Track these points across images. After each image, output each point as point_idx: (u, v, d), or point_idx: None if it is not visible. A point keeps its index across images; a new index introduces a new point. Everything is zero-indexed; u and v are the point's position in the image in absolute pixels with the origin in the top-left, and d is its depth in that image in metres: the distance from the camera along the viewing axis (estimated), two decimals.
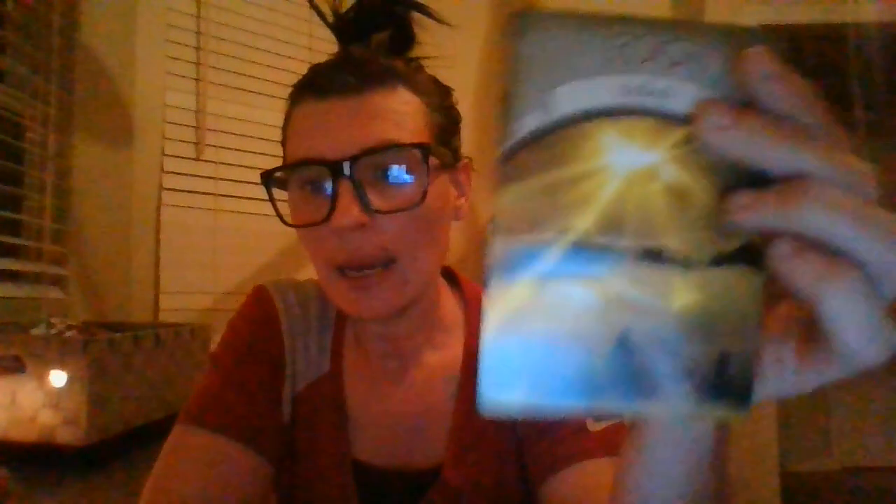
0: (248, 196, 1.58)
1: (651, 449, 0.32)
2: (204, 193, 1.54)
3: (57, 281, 1.35)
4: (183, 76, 1.53)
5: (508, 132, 0.21)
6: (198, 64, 1.55)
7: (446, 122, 0.56)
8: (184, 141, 1.52)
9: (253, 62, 1.62)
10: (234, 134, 1.59)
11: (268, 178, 0.53)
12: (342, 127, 0.50)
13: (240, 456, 0.53)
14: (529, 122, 0.21)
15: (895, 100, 2.75)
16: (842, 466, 3.37)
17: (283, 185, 0.55)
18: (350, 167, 0.48)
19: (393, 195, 0.50)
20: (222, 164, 1.57)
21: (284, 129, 0.56)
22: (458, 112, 0.59)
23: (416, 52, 0.59)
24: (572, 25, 0.22)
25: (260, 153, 1.59)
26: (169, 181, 1.49)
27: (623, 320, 0.22)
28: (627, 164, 0.21)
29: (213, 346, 0.62)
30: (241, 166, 1.59)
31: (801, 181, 0.20)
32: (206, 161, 1.55)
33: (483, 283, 0.22)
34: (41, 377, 0.85)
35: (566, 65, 0.21)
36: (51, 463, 0.84)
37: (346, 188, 0.49)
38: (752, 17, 2.02)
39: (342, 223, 0.48)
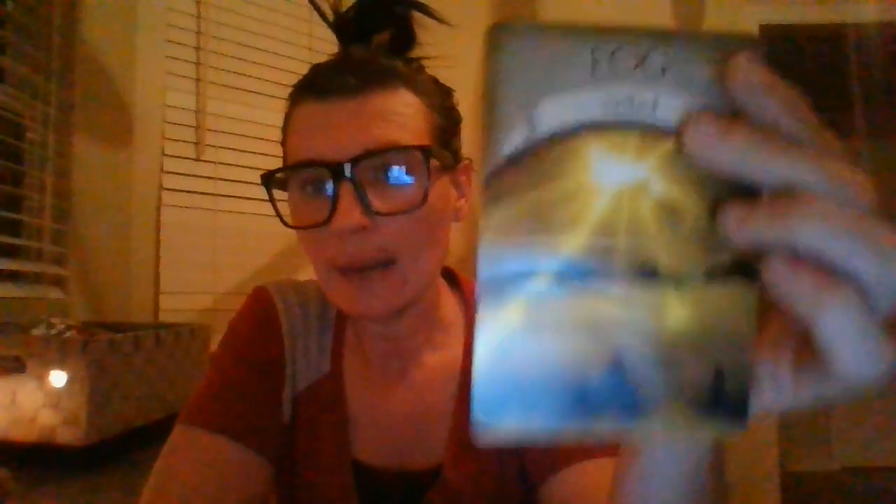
0: (248, 196, 1.58)
1: (647, 456, 0.32)
2: (204, 193, 1.54)
3: (57, 281, 1.35)
4: (183, 76, 1.53)
5: (492, 151, 0.21)
6: (198, 64, 1.55)
7: (447, 123, 0.56)
8: (184, 141, 1.52)
9: (253, 62, 1.62)
10: (234, 134, 1.59)
11: (268, 179, 0.53)
12: (343, 128, 0.50)
13: (240, 456, 0.53)
14: (513, 140, 0.21)
15: (895, 100, 2.75)
16: (842, 466, 3.38)
17: (282, 185, 0.55)
18: (351, 169, 0.48)
19: (394, 197, 0.50)
20: (222, 164, 1.57)
21: (284, 129, 0.56)
22: (458, 113, 0.59)
23: (416, 52, 0.59)
24: (553, 37, 0.21)
25: (260, 153, 1.59)
26: (169, 181, 1.49)
27: (616, 339, 0.21)
28: (615, 180, 0.21)
29: (213, 347, 0.62)
30: (241, 166, 1.59)
31: (794, 195, 0.20)
32: (206, 161, 1.55)
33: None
34: (41, 377, 0.85)
35: (549, 78, 0.21)
36: (51, 463, 0.84)
37: (347, 190, 0.49)
38: (752, 17, 2.02)
39: (343, 225, 0.48)
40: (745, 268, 0.22)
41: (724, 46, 0.21)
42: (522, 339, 0.21)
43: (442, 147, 0.54)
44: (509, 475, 0.57)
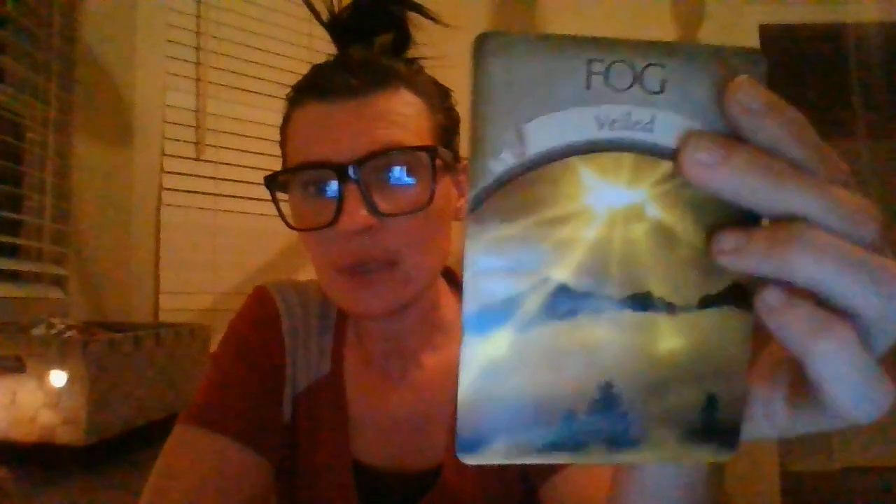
0: (248, 196, 1.58)
1: (643, 471, 0.32)
2: (204, 193, 1.54)
3: (57, 281, 1.35)
4: (183, 76, 1.53)
5: (479, 170, 0.19)
6: (198, 64, 1.55)
7: (447, 124, 0.56)
8: (184, 141, 1.52)
9: (253, 62, 1.62)
10: (234, 134, 1.59)
11: (271, 181, 0.53)
12: (346, 129, 0.50)
13: (240, 456, 0.53)
14: (500, 162, 0.19)
15: (895, 100, 2.75)
16: (842, 466, 3.37)
17: (283, 187, 0.55)
18: (356, 170, 0.48)
19: (398, 197, 0.50)
20: (222, 164, 1.57)
21: (284, 131, 0.56)
22: (457, 113, 0.59)
23: (414, 52, 0.59)
24: (546, 49, 0.19)
25: (260, 153, 1.59)
26: (169, 181, 1.49)
27: (607, 368, 0.20)
28: (609, 203, 0.20)
29: (213, 346, 0.62)
30: (241, 166, 1.59)
31: (792, 224, 0.19)
32: (206, 161, 1.55)
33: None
34: (41, 377, 0.85)
35: (540, 93, 0.19)
36: (51, 463, 0.84)
37: (352, 191, 0.48)
38: (752, 17, 2.02)
39: (349, 226, 0.48)
40: (740, 294, 0.21)
41: (726, 62, 0.20)
42: (510, 366, 0.20)
43: (443, 147, 0.54)
44: (510, 476, 0.57)
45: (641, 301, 0.20)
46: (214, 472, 0.52)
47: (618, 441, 0.21)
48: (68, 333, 1.02)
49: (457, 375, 0.20)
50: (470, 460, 0.20)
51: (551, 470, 0.53)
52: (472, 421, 0.20)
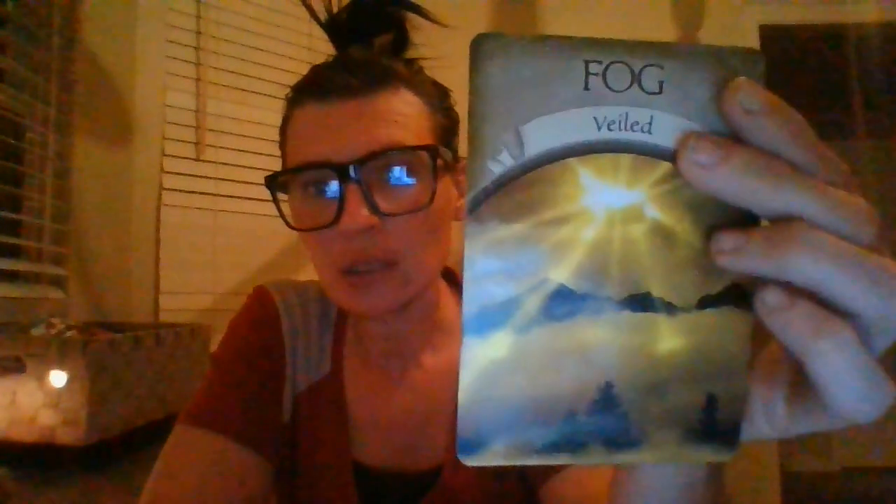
0: (248, 196, 1.58)
1: (643, 472, 0.32)
2: (204, 193, 1.54)
3: (57, 281, 1.35)
4: (183, 76, 1.53)
5: (477, 172, 0.19)
6: (198, 64, 1.55)
7: (447, 124, 0.56)
8: (184, 141, 1.52)
9: (253, 62, 1.62)
10: (234, 134, 1.59)
11: (272, 182, 0.53)
12: (347, 129, 0.50)
13: (240, 456, 0.53)
14: (499, 164, 0.19)
15: (895, 100, 2.75)
16: (842, 466, 3.38)
17: (283, 188, 0.55)
18: (357, 170, 0.48)
19: (399, 197, 0.50)
20: (222, 164, 1.57)
21: (283, 131, 0.55)
22: (456, 113, 0.59)
23: (413, 53, 0.59)
24: (544, 50, 0.19)
25: (260, 153, 1.59)
26: (169, 181, 1.49)
27: (607, 369, 0.20)
28: (607, 206, 0.20)
29: (213, 346, 0.62)
30: (241, 166, 1.59)
31: (791, 224, 0.19)
32: (206, 161, 1.55)
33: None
34: (41, 377, 0.85)
35: (538, 95, 0.19)
36: (51, 463, 0.84)
37: (353, 191, 0.48)
38: (752, 17, 2.02)
39: (351, 226, 0.48)
40: (740, 294, 0.21)
41: (725, 62, 0.20)
42: (510, 367, 0.20)
43: (443, 147, 0.54)
44: (510, 476, 0.57)
45: (641, 302, 0.20)
46: (214, 472, 0.52)
47: (618, 441, 0.21)
48: (68, 333, 1.02)
49: (457, 377, 0.20)
50: (470, 462, 0.20)
51: (551, 470, 0.53)
52: (472, 422, 0.20)
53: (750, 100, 0.19)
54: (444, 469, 0.56)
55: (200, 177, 1.54)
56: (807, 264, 0.18)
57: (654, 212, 0.20)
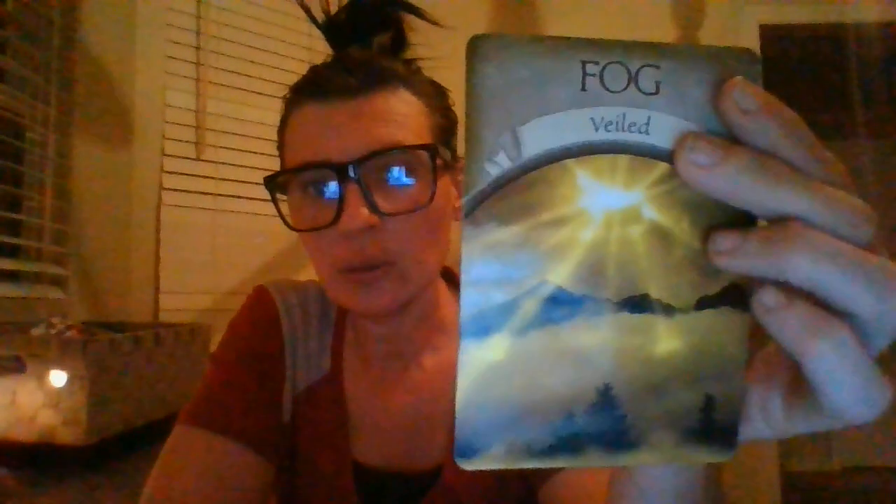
0: (248, 196, 1.58)
1: (640, 474, 0.32)
2: (204, 193, 1.54)
3: (57, 281, 1.35)
4: (183, 76, 1.53)
5: (474, 173, 0.19)
6: (198, 64, 1.55)
7: (446, 123, 0.56)
8: (184, 141, 1.52)
9: (253, 62, 1.62)
10: (234, 134, 1.59)
11: (271, 182, 0.53)
12: (346, 129, 0.50)
13: (240, 456, 0.53)
14: (496, 165, 0.19)
15: (895, 100, 2.75)
16: (842, 466, 3.38)
17: (283, 188, 0.55)
18: (356, 169, 0.48)
19: (399, 197, 0.50)
20: (222, 164, 1.57)
21: (281, 131, 0.55)
22: (455, 113, 0.59)
23: (411, 53, 0.59)
24: (540, 51, 0.19)
25: (260, 153, 1.59)
26: (169, 181, 1.49)
27: (605, 371, 0.20)
28: (605, 207, 0.20)
29: (213, 346, 0.62)
30: (241, 166, 1.59)
31: (789, 225, 0.19)
32: (206, 161, 1.55)
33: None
34: (41, 377, 0.85)
35: (535, 96, 0.19)
36: (51, 463, 0.84)
37: (353, 191, 0.48)
38: (752, 17, 2.02)
39: (351, 226, 0.48)
40: (737, 295, 0.21)
41: (721, 62, 0.20)
42: (507, 370, 0.20)
43: (442, 146, 0.54)
44: (509, 476, 0.57)
45: (639, 303, 0.20)
46: (214, 472, 0.52)
47: (616, 443, 0.21)
48: (68, 333, 1.02)
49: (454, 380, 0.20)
50: (468, 466, 0.20)
51: (551, 470, 0.53)
52: (470, 426, 0.20)
53: (746, 100, 0.19)
54: (445, 469, 0.56)
55: (200, 177, 1.54)
56: (804, 264, 0.18)
57: (651, 213, 0.20)
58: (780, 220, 0.19)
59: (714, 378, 0.21)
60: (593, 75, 0.19)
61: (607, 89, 0.20)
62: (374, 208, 0.49)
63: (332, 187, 0.50)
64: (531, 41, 0.19)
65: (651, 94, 0.20)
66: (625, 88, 0.20)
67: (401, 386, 0.60)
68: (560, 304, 0.20)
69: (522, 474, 0.57)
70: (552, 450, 0.21)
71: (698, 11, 2.02)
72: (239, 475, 0.53)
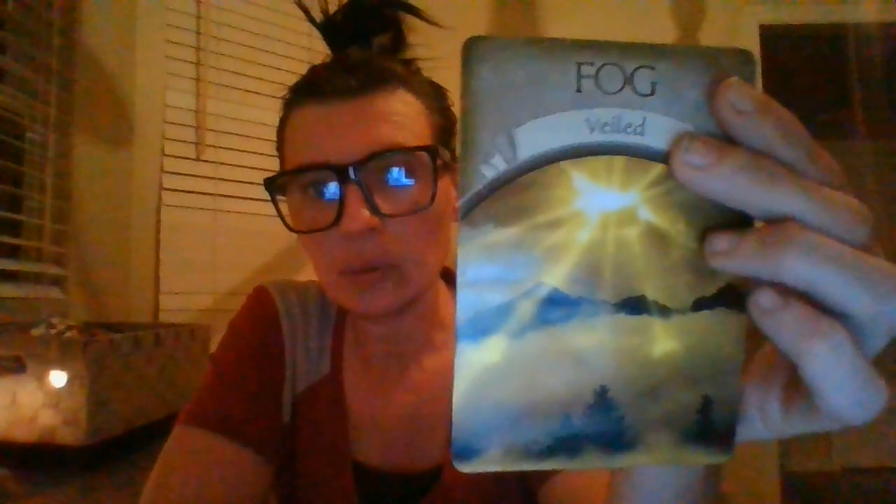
0: (248, 196, 1.58)
1: (639, 474, 0.32)
2: (204, 193, 1.54)
3: (57, 281, 1.35)
4: (183, 76, 1.53)
5: (470, 178, 0.19)
6: (198, 64, 1.55)
7: (445, 123, 0.56)
8: (184, 141, 1.52)
9: (253, 62, 1.62)
10: (234, 134, 1.59)
11: (271, 184, 0.53)
12: (346, 130, 0.50)
13: (240, 456, 0.53)
14: (491, 167, 0.19)
15: (895, 100, 2.75)
16: (842, 466, 3.37)
17: (282, 189, 0.54)
18: (357, 171, 0.48)
19: (399, 198, 0.50)
20: (222, 164, 1.57)
21: (281, 132, 0.55)
22: (454, 113, 0.59)
23: (411, 53, 0.59)
24: (535, 53, 0.19)
25: (260, 153, 1.59)
26: (169, 181, 1.49)
27: (602, 372, 0.20)
28: (600, 208, 0.20)
29: (213, 346, 0.62)
30: (241, 166, 1.59)
31: (785, 226, 0.19)
32: (206, 161, 1.55)
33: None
34: (41, 377, 0.85)
35: (530, 98, 0.19)
36: (51, 463, 0.84)
37: (353, 192, 0.48)
38: (752, 17, 2.02)
39: (352, 228, 0.48)
40: (734, 296, 0.21)
41: (716, 62, 0.20)
42: (504, 372, 0.20)
43: (442, 147, 0.54)
44: (509, 476, 0.57)
45: (635, 305, 0.20)
46: (214, 472, 0.52)
47: (614, 445, 0.21)
48: (68, 333, 1.02)
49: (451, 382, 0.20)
50: (466, 468, 0.20)
51: (550, 471, 0.53)
52: (467, 429, 0.20)
53: (741, 100, 0.19)
54: (444, 469, 0.56)
55: (200, 177, 1.54)
56: (800, 265, 0.18)
57: (647, 214, 0.20)
58: (776, 221, 0.19)
59: (711, 379, 0.21)
60: (589, 77, 0.19)
61: (603, 91, 0.20)
62: (374, 210, 0.49)
63: (332, 188, 0.50)
64: (526, 43, 0.19)
65: (646, 95, 0.20)
66: (620, 90, 0.20)
67: (400, 386, 0.60)
68: (557, 306, 0.20)
69: (522, 475, 0.57)
70: (550, 451, 0.21)
71: (698, 11, 2.02)
72: (239, 475, 0.53)
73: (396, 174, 0.50)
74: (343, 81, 0.50)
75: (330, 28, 0.57)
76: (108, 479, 0.83)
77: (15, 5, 1.25)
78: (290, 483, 0.60)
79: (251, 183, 1.57)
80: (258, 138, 1.59)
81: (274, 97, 0.58)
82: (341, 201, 0.48)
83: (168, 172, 1.49)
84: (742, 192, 0.19)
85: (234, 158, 1.58)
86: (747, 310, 0.20)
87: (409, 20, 0.58)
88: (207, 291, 1.53)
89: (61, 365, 0.85)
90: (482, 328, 0.20)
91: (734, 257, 0.19)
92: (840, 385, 0.19)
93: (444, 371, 0.59)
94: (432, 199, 0.50)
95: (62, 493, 0.78)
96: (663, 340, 0.21)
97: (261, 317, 0.61)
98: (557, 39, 0.19)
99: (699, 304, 0.21)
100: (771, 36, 2.02)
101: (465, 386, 0.20)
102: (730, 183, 0.19)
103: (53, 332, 1.02)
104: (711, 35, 2.00)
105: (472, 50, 0.19)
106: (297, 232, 0.53)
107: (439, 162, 0.51)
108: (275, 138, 0.58)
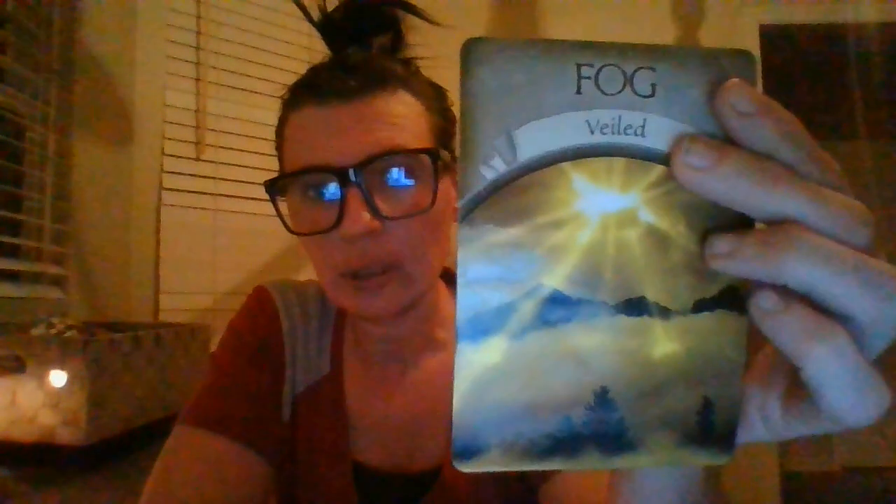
0: (248, 196, 1.58)
1: (639, 475, 0.32)
2: (204, 193, 1.54)
3: (57, 281, 1.35)
4: (183, 76, 1.53)
5: (470, 179, 0.19)
6: (198, 64, 1.55)
7: (445, 124, 0.56)
8: (184, 141, 1.52)
9: (253, 62, 1.63)
10: (234, 134, 1.59)
11: (271, 186, 0.52)
12: (346, 132, 0.49)
13: (240, 456, 0.53)
14: (491, 169, 0.19)
15: (895, 100, 2.75)
16: (842, 466, 3.37)
17: (281, 191, 0.54)
18: (357, 173, 0.48)
19: (400, 200, 0.50)
20: (222, 164, 1.57)
21: (280, 132, 0.55)
22: (454, 114, 0.59)
23: (410, 53, 0.59)
24: (535, 54, 0.19)
25: (260, 153, 1.59)
26: (169, 181, 1.49)
27: (602, 373, 0.20)
28: (601, 210, 0.20)
29: (213, 346, 0.62)
30: (241, 166, 1.59)
31: (786, 227, 0.19)
32: (206, 161, 1.55)
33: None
34: (41, 377, 0.85)
35: (530, 99, 0.19)
36: (51, 463, 0.84)
37: (354, 195, 0.48)
38: (752, 17, 2.02)
39: (352, 230, 0.48)
40: (735, 298, 0.21)
41: (717, 63, 0.20)
42: (504, 373, 0.20)
43: (442, 148, 0.54)
44: (509, 476, 0.57)
45: (636, 306, 0.20)
46: (214, 472, 0.52)
47: (614, 446, 0.21)
48: (68, 333, 1.02)
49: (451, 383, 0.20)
50: (466, 468, 0.20)
51: (551, 471, 0.53)
52: (467, 429, 0.20)
53: (742, 101, 0.19)
54: (444, 469, 0.56)
55: (200, 177, 1.54)
56: (801, 267, 0.18)
57: (648, 215, 0.20)
58: (776, 223, 0.19)
59: (712, 381, 0.21)
60: (588, 78, 0.19)
61: (603, 92, 0.19)
62: (375, 212, 0.48)
63: (333, 191, 0.50)
64: (526, 44, 0.19)
65: (647, 96, 0.20)
66: (620, 91, 0.19)
67: (400, 386, 0.60)
68: (557, 307, 0.20)
69: (522, 475, 0.57)
70: (550, 452, 0.20)
71: (698, 12, 2.02)
72: (239, 475, 0.53)
73: (397, 176, 0.50)
74: (342, 82, 0.50)
75: (329, 28, 0.57)
76: (108, 479, 0.83)
77: (15, 5, 1.25)
78: (290, 483, 0.60)
79: (251, 183, 1.57)
80: (258, 138, 1.59)
81: (274, 97, 0.58)
82: (342, 204, 0.48)
83: (168, 172, 1.49)
84: (743, 193, 0.19)
85: (234, 158, 1.58)
86: (748, 311, 0.20)
87: (409, 20, 0.58)
88: (207, 291, 1.53)
89: (61, 365, 0.85)
90: (482, 329, 0.20)
91: (735, 259, 0.19)
92: (841, 387, 0.19)
93: (445, 371, 0.59)
94: (433, 201, 0.50)
95: (62, 493, 0.78)
96: (664, 342, 0.21)
97: (261, 317, 0.61)
98: (557, 41, 0.19)
99: (700, 306, 0.21)
100: (771, 36, 2.02)
101: (465, 386, 0.20)
102: (730, 184, 0.19)
103: (53, 331, 1.02)
104: (711, 35, 1.99)
105: (471, 52, 0.19)
106: (298, 234, 0.53)
107: (439, 163, 0.51)
108: (274, 138, 0.58)
